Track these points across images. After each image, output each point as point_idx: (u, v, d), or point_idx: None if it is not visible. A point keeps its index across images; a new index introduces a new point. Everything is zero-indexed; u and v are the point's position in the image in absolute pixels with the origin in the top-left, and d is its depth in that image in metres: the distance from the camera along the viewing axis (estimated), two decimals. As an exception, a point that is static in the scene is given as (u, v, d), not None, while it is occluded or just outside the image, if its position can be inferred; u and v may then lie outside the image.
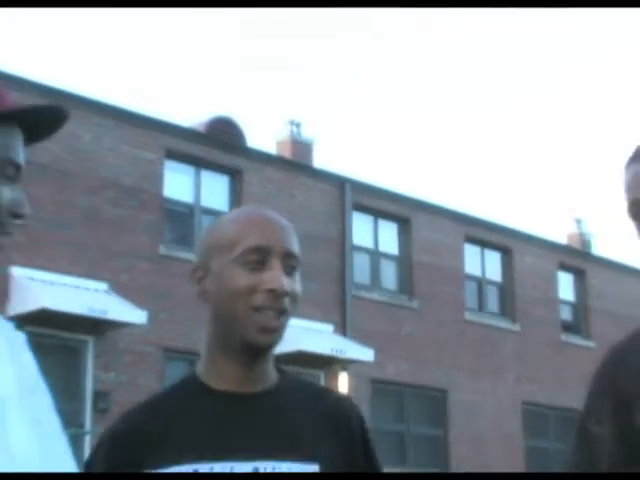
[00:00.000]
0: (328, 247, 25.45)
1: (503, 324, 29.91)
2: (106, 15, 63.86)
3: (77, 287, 20.91)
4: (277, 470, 2.47)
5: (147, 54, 69.09)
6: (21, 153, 2.18)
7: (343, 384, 23.56)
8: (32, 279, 20.17)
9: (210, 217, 24.38)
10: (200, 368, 2.65)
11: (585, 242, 34.98)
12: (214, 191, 24.75)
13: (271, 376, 2.64)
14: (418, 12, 67.71)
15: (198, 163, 24.28)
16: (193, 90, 65.57)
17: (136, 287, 21.95)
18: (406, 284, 27.80)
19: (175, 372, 22.85)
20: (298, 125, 28.43)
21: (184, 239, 23.84)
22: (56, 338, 20.18)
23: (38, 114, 2.20)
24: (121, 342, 21.68)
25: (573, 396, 28.53)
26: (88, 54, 66.71)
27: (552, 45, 74.06)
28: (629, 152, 2.74)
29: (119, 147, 22.62)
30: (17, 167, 2.16)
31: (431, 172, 69.14)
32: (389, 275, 27.73)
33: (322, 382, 21.78)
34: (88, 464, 2.58)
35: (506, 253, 30.61)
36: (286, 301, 2.55)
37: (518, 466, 28.33)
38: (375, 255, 27.23)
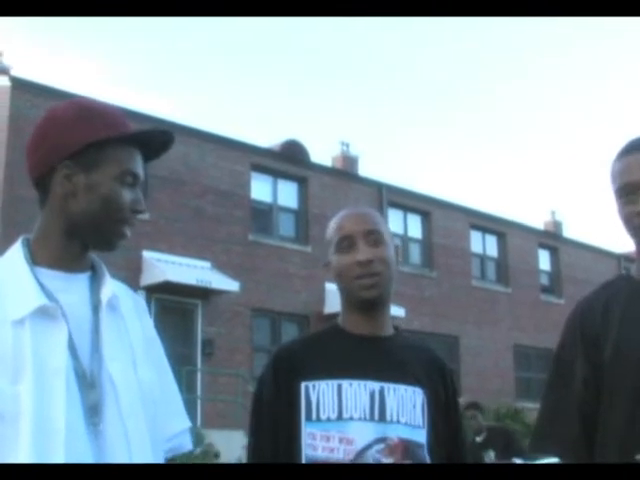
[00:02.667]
0: (370, 234, 25.06)
1: (499, 288, 29.75)
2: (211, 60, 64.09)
3: (189, 265, 20.99)
4: (397, 389, 2.57)
5: (234, 90, 69.17)
6: (139, 167, 2.19)
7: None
8: (158, 260, 20.30)
9: (284, 213, 24.57)
10: (340, 319, 2.73)
11: (557, 227, 34.85)
12: (287, 194, 24.66)
13: (388, 328, 2.70)
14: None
15: (275, 174, 24.22)
16: (271, 117, 65.56)
17: (231, 264, 22.01)
18: (427, 260, 27.66)
19: (259, 325, 23.05)
20: (347, 145, 28.33)
21: (266, 229, 23.82)
22: (175, 302, 20.27)
23: (152, 137, 2.23)
24: (221, 304, 21.72)
25: (549, 339, 28.53)
26: (191, 93, 66.89)
27: (529, 53, 73.37)
28: (614, 149, 2.65)
29: (218, 163, 22.66)
30: (135, 176, 2.17)
31: (444, 176, 68.79)
32: (415, 253, 27.55)
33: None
34: (261, 378, 2.69)
35: (501, 236, 30.41)
36: (374, 265, 2.60)
37: (510, 391, 28.34)
38: (404, 239, 27.01)
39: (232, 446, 16.83)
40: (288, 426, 2.55)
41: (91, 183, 2.13)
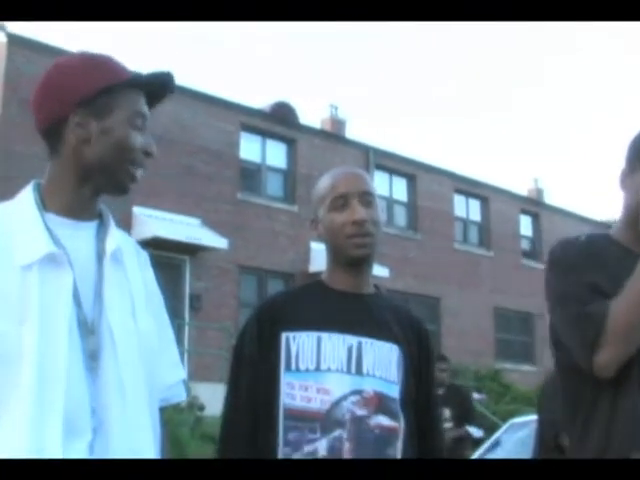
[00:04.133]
0: (357, 195, 25.05)
1: (481, 252, 29.78)
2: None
3: (179, 222, 20.98)
4: (374, 344, 2.61)
5: (228, 52, 68.89)
6: (146, 109, 2.23)
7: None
8: (148, 216, 20.27)
9: (273, 172, 24.53)
10: (324, 276, 2.78)
11: (539, 194, 34.85)
12: (276, 154, 24.57)
13: (370, 286, 2.76)
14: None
15: (264, 134, 24.13)
16: (262, 79, 65.40)
17: (220, 222, 21.96)
18: (412, 222, 27.65)
19: (246, 282, 23.06)
20: (336, 108, 28.12)
21: (254, 188, 23.76)
22: (165, 257, 20.14)
23: (158, 80, 2.25)
24: (209, 261, 21.74)
25: (529, 303, 28.71)
26: (185, 55, 66.59)
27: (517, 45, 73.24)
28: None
29: (209, 122, 22.55)
30: (144, 118, 2.21)
31: (430, 141, 68.75)
32: (400, 216, 27.53)
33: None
34: (244, 329, 2.74)
35: (484, 201, 30.37)
36: (368, 225, 2.66)
37: (490, 352, 28.51)
38: (390, 202, 27.03)
39: (217, 398, 16.91)
40: (268, 375, 2.59)
41: (105, 128, 2.15)
